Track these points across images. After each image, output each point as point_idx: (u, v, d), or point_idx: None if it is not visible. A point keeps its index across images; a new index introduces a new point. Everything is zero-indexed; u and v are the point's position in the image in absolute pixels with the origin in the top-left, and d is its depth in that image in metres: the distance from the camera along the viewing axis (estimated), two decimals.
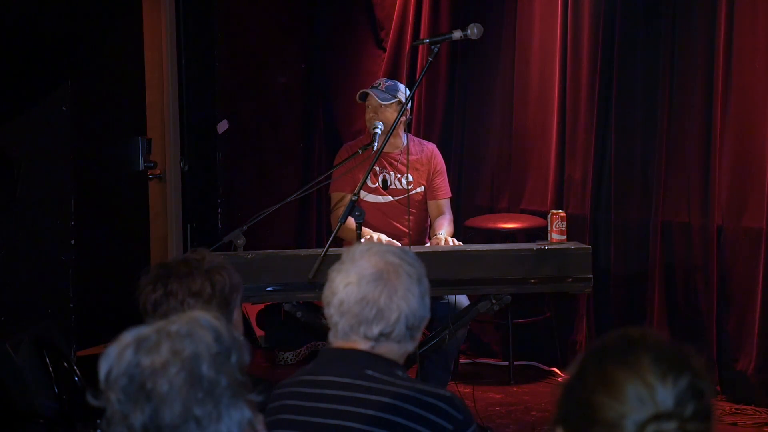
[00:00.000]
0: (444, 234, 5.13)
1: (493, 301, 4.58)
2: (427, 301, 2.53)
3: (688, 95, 5.68)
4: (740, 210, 5.51)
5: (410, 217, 5.24)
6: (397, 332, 2.47)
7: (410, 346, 2.53)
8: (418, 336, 2.55)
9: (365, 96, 5.26)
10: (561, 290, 4.81)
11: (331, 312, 2.49)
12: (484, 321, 6.29)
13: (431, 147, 5.48)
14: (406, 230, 5.24)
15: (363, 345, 2.48)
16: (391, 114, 5.16)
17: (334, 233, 4.29)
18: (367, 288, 2.45)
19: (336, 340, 2.51)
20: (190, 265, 2.68)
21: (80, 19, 5.62)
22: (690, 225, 5.68)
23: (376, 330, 2.45)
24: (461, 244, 5.00)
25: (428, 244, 5.17)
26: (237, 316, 2.76)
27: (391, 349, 2.49)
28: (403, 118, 5.24)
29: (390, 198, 5.38)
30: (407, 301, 2.46)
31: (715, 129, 5.52)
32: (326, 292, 2.51)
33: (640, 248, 5.86)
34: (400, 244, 4.94)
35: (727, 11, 5.47)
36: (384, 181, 5.37)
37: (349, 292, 2.46)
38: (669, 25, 5.72)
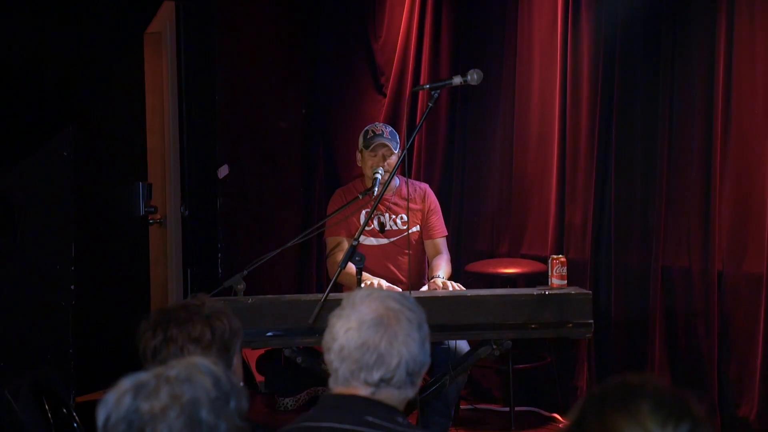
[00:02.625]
0: (442, 275, 5.12)
1: (494, 347, 4.57)
2: (428, 346, 2.52)
3: (687, 140, 5.69)
4: (741, 255, 5.51)
5: (408, 258, 5.24)
6: (398, 378, 2.46)
7: (411, 392, 2.52)
8: (419, 382, 2.54)
9: (380, 146, 5.24)
10: (562, 335, 4.79)
11: (332, 358, 2.48)
12: (484, 366, 6.27)
13: (424, 186, 5.51)
14: (403, 272, 5.24)
15: (363, 391, 2.47)
16: (394, 160, 5.20)
17: (334, 278, 4.29)
18: (367, 333, 2.45)
19: (336, 386, 2.50)
20: (190, 311, 2.68)
21: (81, 65, 5.64)
22: (690, 270, 5.68)
23: (376, 376, 2.44)
24: (461, 286, 4.99)
25: (425, 287, 5.14)
26: (237, 361, 2.75)
27: (392, 395, 2.49)
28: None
29: (385, 240, 5.39)
30: (408, 346, 2.46)
31: (714, 174, 5.53)
32: (326, 337, 2.51)
33: (641, 293, 5.85)
34: (400, 290, 4.93)
35: (726, 56, 5.50)
36: (381, 223, 5.38)
37: (350, 338, 2.45)
38: (668, 70, 5.74)
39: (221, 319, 2.69)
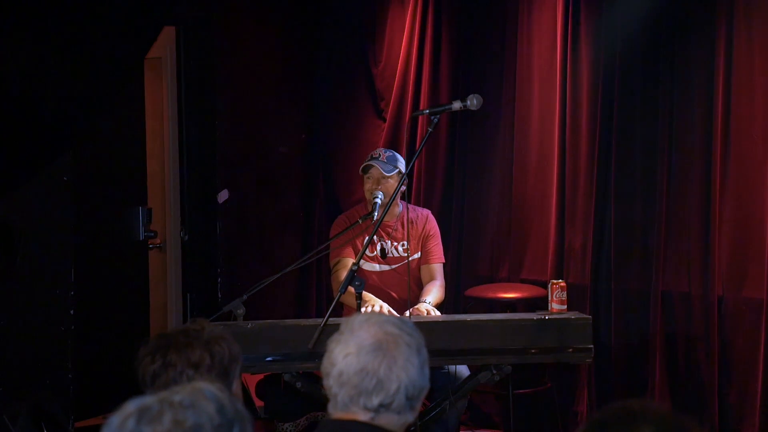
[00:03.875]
0: (431, 300, 5.11)
1: (494, 372, 4.56)
2: (427, 371, 2.52)
3: (686, 164, 5.70)
4: (740, 280, 5.50)
5: (409, 284, 5.23)
6: (397, 403, 2.45)
7: (410, 417, 2.51)
8: (418, 406, 2.53)
9: (368, 168, 5.29)
10: (562, 360, 4.79)
11: (331, 383, 2.48)
12: (484, 391, 6.25)
13: (426, 213, 5.52)
14: (403, 298, 5.23)
15: (363, 416, 2.46)
16: (392, 184, 5.19)
17: (333, 303, 4.29)
18: (366, 359, 2.44)
19: (335, 412, 2.49)
20: (189, 336, 2.67)
21: (82, 89, 5.66)
22: (690, 295, 5.68)
23: (375, 401, 2.43)
24: (437, 313, 4.99)
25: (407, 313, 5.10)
26: (236, 386, 2.74)
27: (391, 420, 2.48)
28: (402, 188, 5.29)
29: (387, 267, 5.38)
30: (407, 371, 2.45)
31: (714, 199, 5.54)
32: (325, 362, 2.50)
33: (641, 318, 5.84)
34: (397, 314, 4.93)
35: (725, 80, 5.51)
36: (382, 249, 5.37)
37: (349, 363, 2.44)
38: (667, 94, 5.75)
39: (220, 344, 2.69)
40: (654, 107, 5.80)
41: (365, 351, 2.44)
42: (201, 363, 2.63)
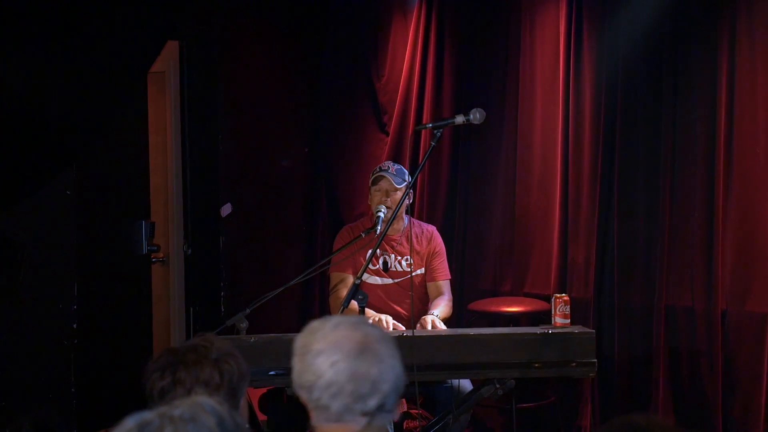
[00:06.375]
0: (437, 314, 5.10)
1: (497, 386, 4.55)
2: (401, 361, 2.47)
3: (690, 179, 5.70)
4: (744, 294, 5.50)
5: (412, 298, 5.22)
6: (391, 401, 2.40)
7: (396, 413, 2.47)
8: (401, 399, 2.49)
9: (378, 179, 5.28)
10: (565, 374, 4.78)
11: (319, 395, 2.39)
12: (487, 405, 6.24)
13: (431, 229, 5.51)
14: (406, 312, 5.22)
15: (358, 423, 2.39)
16: (399, 197, 5.19)
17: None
18: (356, 363, 2.36)
19: (328, 424, 2.41)
20: (199, 353, 2.65)
21: (85, 104, 5.66)
22: (694, 309, 5.67)
23: (372, 404, 2.36)
24: (442, 326, 4.98)
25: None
26: (243, 403, 2.73)
27: (384, 421, 2.41)
28: (407, 202, 5.28)
29: (390, 280, 5.38)
30: (393, 367, 2.40)
31: (717, 214, 5.53)
32: (306, 376, 2.42)
33: (644, 332, 5.83)
34: (404, 328, 4.92)
35: (728, 97, 5.52)
36: (384, 263, 5.37)
37: (339, 371, 2.37)
38: (670, 111, 5.76)
39: (229, 362, 2.67)
40: (657, 122, 5.81)
41: (353, 356, 2.37)
42: (210, 381, 2.62)
